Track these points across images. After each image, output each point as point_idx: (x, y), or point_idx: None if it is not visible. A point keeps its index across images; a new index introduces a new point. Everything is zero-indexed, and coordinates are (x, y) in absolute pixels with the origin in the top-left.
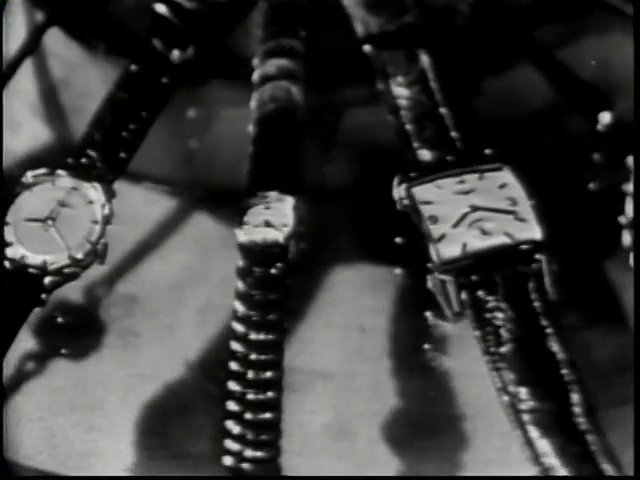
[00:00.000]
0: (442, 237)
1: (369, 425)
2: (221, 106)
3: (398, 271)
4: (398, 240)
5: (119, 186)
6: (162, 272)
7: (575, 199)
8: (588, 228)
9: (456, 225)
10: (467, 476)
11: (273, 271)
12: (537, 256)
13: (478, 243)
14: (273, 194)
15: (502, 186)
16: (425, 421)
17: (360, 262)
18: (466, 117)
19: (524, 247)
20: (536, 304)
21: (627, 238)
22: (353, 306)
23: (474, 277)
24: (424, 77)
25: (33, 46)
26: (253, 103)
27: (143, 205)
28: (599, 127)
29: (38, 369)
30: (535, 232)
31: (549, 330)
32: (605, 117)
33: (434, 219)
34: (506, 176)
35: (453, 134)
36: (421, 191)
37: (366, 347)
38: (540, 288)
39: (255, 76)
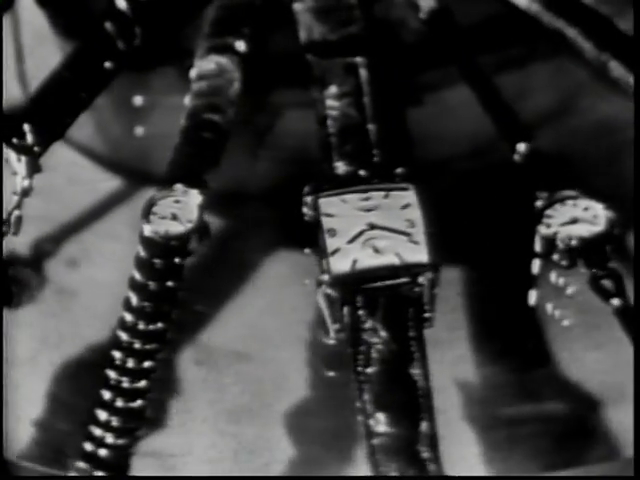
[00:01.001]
0: (335, 251)
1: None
2: (167, 94)
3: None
4: (306, 251)
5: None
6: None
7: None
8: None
9: (351, 241)
10: (468, 476)
11: (171, 264)
12: (421, 280)
13: (368, 261)
14: (180, 187)
15: (404, 207)
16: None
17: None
18: (392, 135)
19: (410, 269)
20: (410, 329)
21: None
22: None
23: (358, 295)
24: (358, 90)
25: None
26: (188, 96)
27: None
28: (515, 157)
29: None
30: (423, 256)
31: (416, 356)
32: (521, 147)
33: (332, 232)
34: (410, 197)
35: (375, 151)
36: (326, 203)
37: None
38: (418, 313)
39: (193, 70)
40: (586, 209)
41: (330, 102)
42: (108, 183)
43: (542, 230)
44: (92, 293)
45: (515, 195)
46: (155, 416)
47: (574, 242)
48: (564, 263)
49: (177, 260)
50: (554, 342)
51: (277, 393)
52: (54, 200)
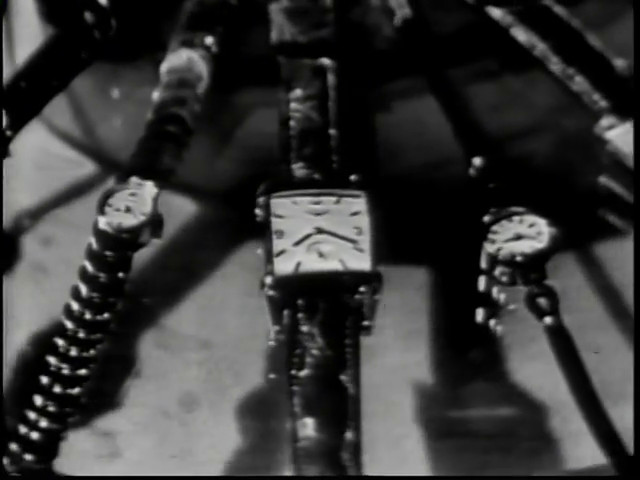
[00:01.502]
0: (281, 253)
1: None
2: (142, 86)
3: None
4: (258, 251)
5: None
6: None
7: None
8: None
9: (297, 243)
10: (469, 476)
11: (122, 256)
12: (362, 288)
13: (312, 265)
14: (136, 180)
15: (354, 213)
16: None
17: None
18: (353, 141)
19: (352, 277)
20: (347, 336)
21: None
22: None
23: (298, 298)
24: (323, 94)
25: None
26: (156, 90)
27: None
28: (471, 170)
29: None
30: (366, 264)
31: (349, 364)
32: (477, 161)
33: (280, 234)
34: (361, 204)
35: (333, 156)
36: (277, 204)
37: None
38: (357, 321)
39: (163, 63)
40: (531, 225)
41: (294, 104)
42: (78, 170)
43: (487, 246)
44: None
45: (471, 209)
46: (111, 395)
47: (515, 259)
48: (504, 280)
49: (128, 253)
50: (496, 353)
51: (233, 380)
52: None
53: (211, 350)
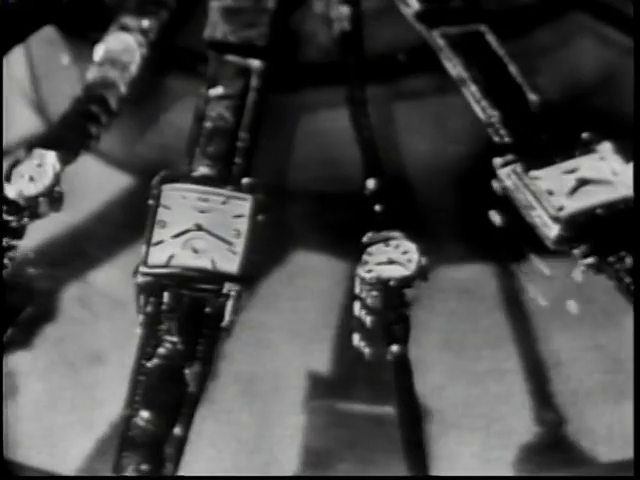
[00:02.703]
0: (158, 243)
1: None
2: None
3: None
4: None
5: None
6: None
7: None
8: None
9: (176, 236)
10: (468, 476)
11: (19, 223)
12: (226, 290)
13: (183, 260)
14: (41, 152)
15: (237, 216)
16: None
17: None
18: (262, 146)
19: (219, 277)
20: (204, 335)
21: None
22: None
23: (164, 291)
24: (242, 95)
25: None
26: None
27: None
28: (365, 191)
29: None
30: (234, 267)
31: (197, 363)
32: (370, 183)
33: (162, 224)
34: (245, 208)
35: (236, 159)
36: (167, 195)
37: None
38: (216, 321)
39: (100, 44)
40: (405, 252)
41: (212, 101)
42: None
43: (359, 268)
44: None
45: (355, 229)
46: (24, 339)
47: (380, 282)
48: (370, 303)
49: (24, 220)
50: None
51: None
52: None
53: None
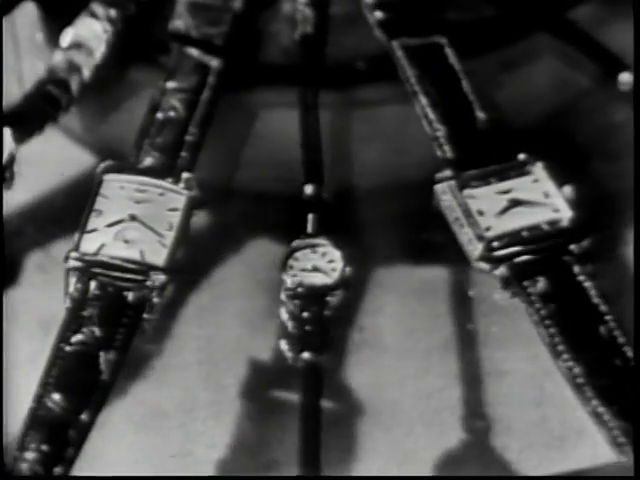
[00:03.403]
0: (92, 231)
1: None
2: None
3: None
4: None
5: None
6: None
7: None
8: None
9: (109, 226)
10: (466, 476)
11: None
12: (150, 282)
13: (113, 250)
14: None
15: (172, 209)
16: None
17: None
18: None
19: (146, 269)
20: (123, 325)
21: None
22: None
23: (92, 279)
24: (197, 90)
25: None
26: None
27: None
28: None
29: None
30: (161, 260)
31: (113, 351)
32: (308, 189)
33: (98, 212)
34: (180, 202)
35: (183, 153)
36: (107, 184)
37: None
38: (137, 313)
39: (69, 28)
40: (331, 261)
41: (168, 93)
42: None
43: (283, 273)
44: None
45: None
46: None
47: (301, 289)
48: (291, 310)
49: None
50: None
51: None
52: None
53: None
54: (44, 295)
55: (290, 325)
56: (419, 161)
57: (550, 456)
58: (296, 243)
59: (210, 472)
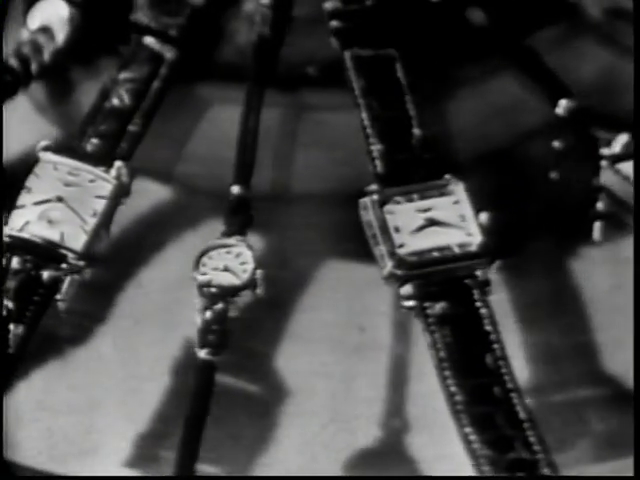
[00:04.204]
0: (21, 207)
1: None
2: None
3: None
4: None
5: None
6: None
7: None
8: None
9: (36, 204)
10: (466, 476)
11: None
12: (64, 265)
13: (36, 228)
14: None
15: (98, 197)
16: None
17: None
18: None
19: (61, 252)
20: (34, 305)
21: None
22: None
23: (13, 255)
24: (147, 81)
25: None
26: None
27: None
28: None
29: None
30: (79, 244)
31: (21, 326)
32: (234, 189)
33: (29, 189)
34: (105, 190)
35: (123, 142)
36: (42, 164)
37: None
38: (49, 294)
39: (36, 7)
40: (243, 263)
41: (119, 83)
42: None
43: (195, 273)
44: None
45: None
46: None
47: (209, 289)
48: (199, 307)
49: None
50: None
51: None
52: None
53: None
54: None
55: (198, 322)
56: (360, 172)
57: None
58: (212, 242)
59: None
